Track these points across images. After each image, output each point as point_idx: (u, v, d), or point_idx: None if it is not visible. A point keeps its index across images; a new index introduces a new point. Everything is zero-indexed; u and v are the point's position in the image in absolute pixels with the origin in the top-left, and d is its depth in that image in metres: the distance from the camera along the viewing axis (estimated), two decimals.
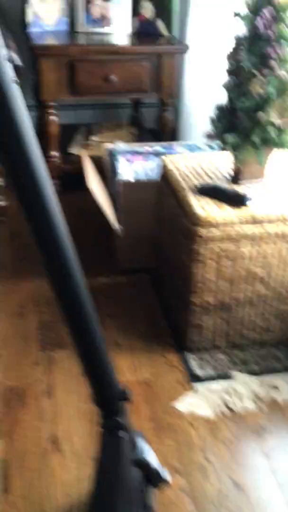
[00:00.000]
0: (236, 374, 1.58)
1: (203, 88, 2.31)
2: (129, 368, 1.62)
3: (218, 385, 1.54)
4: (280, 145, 1.50)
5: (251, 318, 1.62)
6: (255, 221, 1.50)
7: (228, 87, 1.53)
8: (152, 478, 1.12)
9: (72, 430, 1.42)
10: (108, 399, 0.98)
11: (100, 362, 0.93)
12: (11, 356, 1.65)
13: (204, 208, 1.50)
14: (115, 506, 0.95)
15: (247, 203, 1.52)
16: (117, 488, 0.96)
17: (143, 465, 1.09)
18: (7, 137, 0.67)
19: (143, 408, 1.48)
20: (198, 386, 1.54)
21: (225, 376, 1.57)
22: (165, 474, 1.14)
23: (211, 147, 2.08)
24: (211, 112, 1.60)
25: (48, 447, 1.37)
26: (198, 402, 1.50)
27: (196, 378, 1.56)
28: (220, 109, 1.57)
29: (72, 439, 1.39)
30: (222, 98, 1.58)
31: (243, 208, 1.51)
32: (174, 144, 2.16)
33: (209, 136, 1.60)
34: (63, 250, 0.78)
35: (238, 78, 1.49)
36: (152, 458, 1.12)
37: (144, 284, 2.00)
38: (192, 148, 2.09)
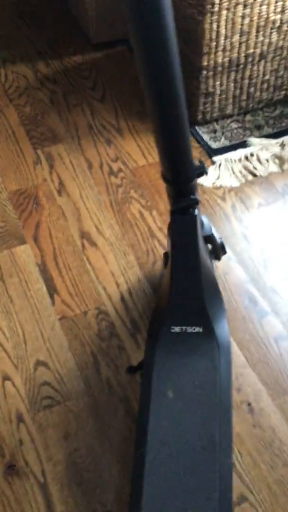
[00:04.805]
0: (252, 140, 1.49)
1: None
2: (137, 153, 1.49)
3: (237, 154, 1.46)
4: None
5: (264, 76, 1.47)
6: None
7: None
8: (217, 251, 1.09)
9: (100, 223, 1.33)
10: (186, 177, 0.87)
11: (182, 137, 0.80)
12: (5, 160, 1.47)
13: None
14: (204, 285, 0.91)
15: None
16: (198, 266, 0.92)
17: (212, 241, 1.05)
18: None
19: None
20: (217, 159, 1.45)
21: (242, 145, 1.49)
22: (224, 245, 1.11)
23: None
24: None
25: (81, 244, 1.29)
26: (221, 174, 1.43)
27: (214, 152, 1.47)
28: None
29: (103, 232, 1.32)
30: None
31: None
32: None
33: None
34: None
35: None
36: (214, 231, 1.07)
37: (124, 58, 1.76)
38: None
